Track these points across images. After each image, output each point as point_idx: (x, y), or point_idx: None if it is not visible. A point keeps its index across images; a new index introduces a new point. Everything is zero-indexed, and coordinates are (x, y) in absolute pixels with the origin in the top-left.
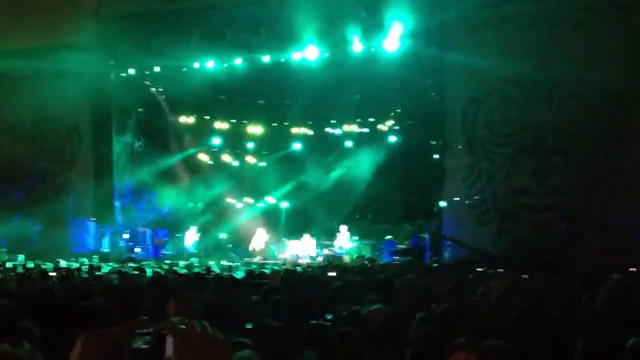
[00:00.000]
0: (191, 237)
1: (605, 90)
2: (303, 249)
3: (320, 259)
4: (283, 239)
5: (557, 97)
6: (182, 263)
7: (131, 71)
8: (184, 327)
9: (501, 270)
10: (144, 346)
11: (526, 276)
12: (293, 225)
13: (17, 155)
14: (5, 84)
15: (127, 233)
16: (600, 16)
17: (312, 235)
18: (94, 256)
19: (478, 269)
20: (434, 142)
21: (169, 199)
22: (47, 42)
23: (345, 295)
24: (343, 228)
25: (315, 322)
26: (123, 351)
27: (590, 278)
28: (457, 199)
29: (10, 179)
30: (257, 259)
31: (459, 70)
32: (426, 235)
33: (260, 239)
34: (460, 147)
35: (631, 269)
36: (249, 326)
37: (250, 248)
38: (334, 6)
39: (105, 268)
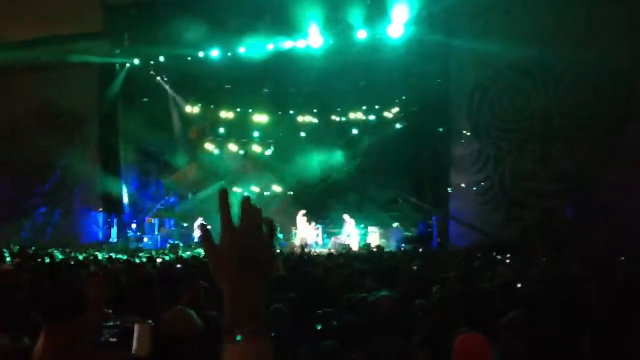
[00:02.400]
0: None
1: (610, 70)
2: (310, 237)
3: (328, 246)
4: (292, 227)
5: (564, 80)
6: (188, 253)
7: (136, 61)
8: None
9: (508, 256)
10: (111, 339)
11: (533, 262)
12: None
13: (41, 148)
14: (13, 75)
15: (134, 223)
16: None
17: (318, 223)
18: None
19: (485, 256)
20: (440, 129)
21: (175, 188)
22: (54, 32)
23: (353, 283)
24: (346, 217)
25: (324, 310)
26: (86, 344)
27: (597, 263)
28: (464, 185)
29: (37, 171)
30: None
31: (464, 55)
32: (433, 222)
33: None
34: (467, 133)
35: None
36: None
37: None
38: None
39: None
